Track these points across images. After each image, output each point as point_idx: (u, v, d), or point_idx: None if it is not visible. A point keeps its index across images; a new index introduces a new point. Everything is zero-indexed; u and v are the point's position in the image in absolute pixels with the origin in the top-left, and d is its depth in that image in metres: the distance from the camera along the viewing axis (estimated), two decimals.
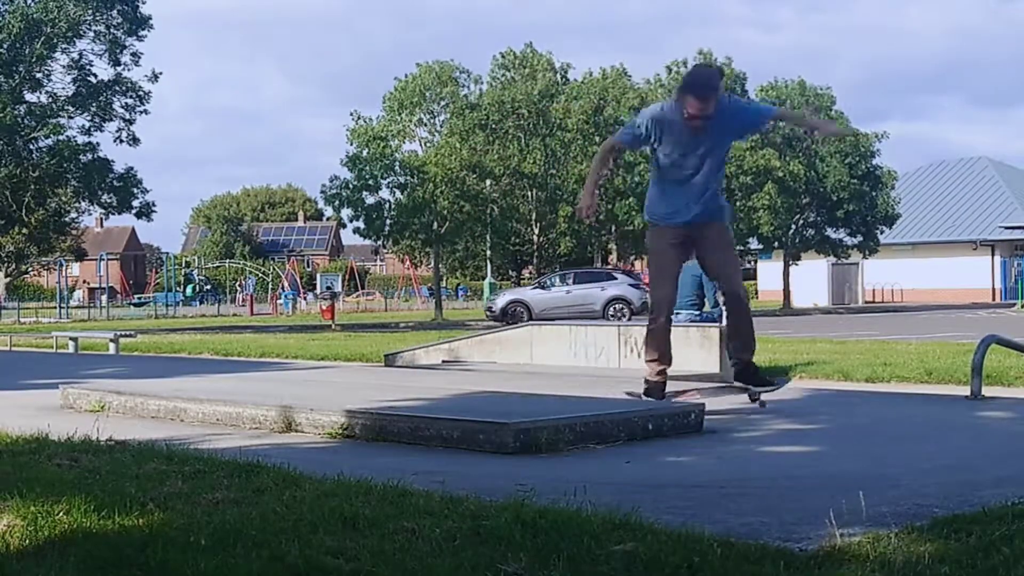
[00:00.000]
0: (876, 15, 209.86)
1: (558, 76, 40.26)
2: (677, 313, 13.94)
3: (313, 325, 34.38)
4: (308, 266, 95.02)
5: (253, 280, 68.15)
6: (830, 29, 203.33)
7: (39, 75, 34.32)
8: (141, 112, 35.07)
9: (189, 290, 67.71)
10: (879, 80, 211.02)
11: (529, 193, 40.25)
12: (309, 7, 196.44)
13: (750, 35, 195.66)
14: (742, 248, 54.37)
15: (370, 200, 40.02)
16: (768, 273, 59.94)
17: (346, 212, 40.48)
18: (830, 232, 48.90)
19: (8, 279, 49.82)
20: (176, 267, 65.40)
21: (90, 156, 34.72)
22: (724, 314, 13.62)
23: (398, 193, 40.11)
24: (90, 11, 33.25)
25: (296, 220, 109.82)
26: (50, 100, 34.78)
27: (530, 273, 60.61)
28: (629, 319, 31.73)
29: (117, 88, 34.83)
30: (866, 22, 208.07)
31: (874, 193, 47.38)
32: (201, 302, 62.93)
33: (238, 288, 68.49)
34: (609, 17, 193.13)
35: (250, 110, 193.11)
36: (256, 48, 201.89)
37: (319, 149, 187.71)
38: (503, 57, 40.85)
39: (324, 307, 37.47)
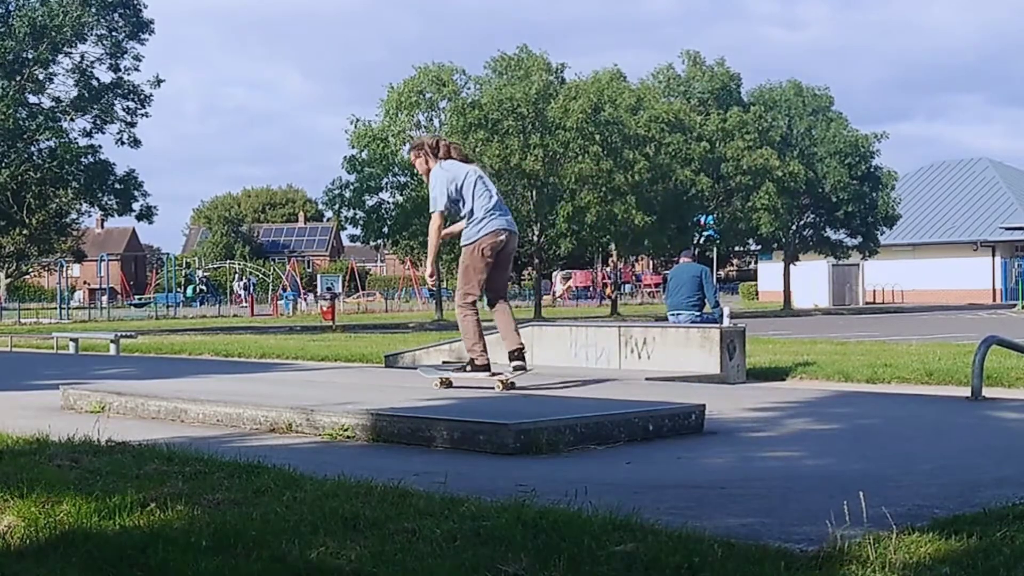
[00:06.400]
0: (903, 12, 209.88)
1: (554, 76, 40.06)
2: (678, 314, 13.99)
3: (314, 326, 34.37)
4: (308, 267, 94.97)
5: (253, 280, 68.07)
6: (855, 26, 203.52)
7: (41, 77, 34.31)
8: (142, 115, 35.12)
9: (189, 291, 67.65)
10: (904, 78, 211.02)
11: (528, 193, 40.14)
12: (330, 3, 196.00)
13: (775, 32, 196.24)
14: (742, 248, 54.34)
15: (370, 202, 39.95)
16: (768, 274, 59.95)
17: (346, 214, 40.45)
18: (830, 233, 48.87)
19: (9, 280, 49.78)
20: (176, 268, 65.37)
21: (91, 158, 34.70)
22: (724, 315, 13.69)
23: (397, 195, 40.02)
24: (93, 13, 33.24)
25: (296, 221, 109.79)
26: (52, 103, 34.78)
27: (530, 274, 60.56)
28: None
29: (119, 91, 34.83)
30: (893, 19, 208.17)
31: (874, 194, 47.36)
32: (202, 303, 62.86)
33: (234, 287, 68.42)
34: (634, 15, 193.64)
35: (267, 109, 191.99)
36: (275, 46, 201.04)
37: (335, 148, 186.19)
38: (495, 62, 40.72)
39: (324, 308, 37.39)
